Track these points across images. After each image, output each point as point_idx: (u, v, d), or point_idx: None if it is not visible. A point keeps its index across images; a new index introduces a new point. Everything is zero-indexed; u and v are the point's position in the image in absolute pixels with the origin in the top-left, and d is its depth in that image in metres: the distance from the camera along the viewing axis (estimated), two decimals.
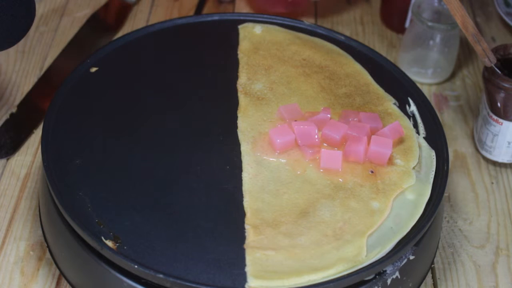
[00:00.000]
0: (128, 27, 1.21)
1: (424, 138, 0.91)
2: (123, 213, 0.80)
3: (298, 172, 0.84)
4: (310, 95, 0.93)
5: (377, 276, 0.79)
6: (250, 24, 1.02)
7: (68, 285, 0.85)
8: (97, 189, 0.82)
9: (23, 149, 1.02)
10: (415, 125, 0.92)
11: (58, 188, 0.81)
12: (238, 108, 0.91)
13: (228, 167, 0.86)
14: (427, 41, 1.12)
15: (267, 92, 0.93)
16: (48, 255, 0.89)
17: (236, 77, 0.95)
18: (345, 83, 0.95)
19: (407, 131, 0.90)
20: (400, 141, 0.89)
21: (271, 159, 0.86)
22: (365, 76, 0.97)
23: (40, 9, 1.22)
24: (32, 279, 0.88)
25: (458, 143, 1.07)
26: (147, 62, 0.97)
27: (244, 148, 0.87)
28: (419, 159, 0.88)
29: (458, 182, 1.02)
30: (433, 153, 0.89)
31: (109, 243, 0.78)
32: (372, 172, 0.85)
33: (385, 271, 0.80)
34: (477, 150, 1.05)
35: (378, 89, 0.95)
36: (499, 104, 0.98)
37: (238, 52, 0.98)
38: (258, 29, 1.02)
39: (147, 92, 0.93)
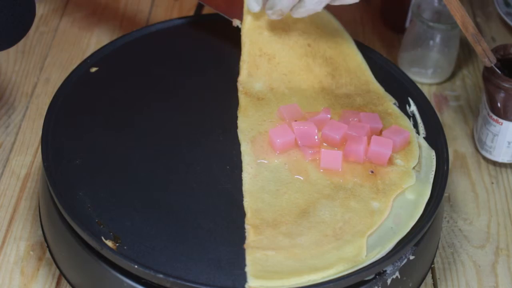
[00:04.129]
0: (128, 27, 1.21)
1: (424, 138, 0.91)
2: (123, 213, 0.80)
3: (298, 176, 0.84)
4: (310, 95, 0.93)
5: (377, 276, 0.79)
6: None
7: (68, 285, 0.85)
8: (97, 189, 0.82)
9: (23, 149, 1.01)
10: (415, 125, 0.92)
11: (58, 188, 0.81)
12: (238, 108, 0.91)
13: (228, 167, 0.86)
14: (427, 41, 1.12)
15: (267, 92, 0.93)
16: (48, 255, 0.89)
17: (236, 75, 0.95)
18: (346, 81, 0.95)
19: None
20: None
21: (271, 159, 0.86)
22: (366, 72, 0.96)
23: (40, 9, 1.22)
24: (32, 279, 0.88)
25: (458, 143, 1.07)
26: (147, 62, 0.97)
27: (244, 148, 0.87)
28: (419, 159, 0.88)
29: (458, 182, 1.02)
30: (433, 153, 0.89)
31: (109, 243, 0.78)
32: (372, 172, 0.85)
33: (385, 271, 0.80)
34: (477, 150, 1.05)
35: (378, 88, 0.95)
36: (499, 104, 0.98)
37: (241, 34, 0.95)
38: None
39: (147, 92, 0.93)
